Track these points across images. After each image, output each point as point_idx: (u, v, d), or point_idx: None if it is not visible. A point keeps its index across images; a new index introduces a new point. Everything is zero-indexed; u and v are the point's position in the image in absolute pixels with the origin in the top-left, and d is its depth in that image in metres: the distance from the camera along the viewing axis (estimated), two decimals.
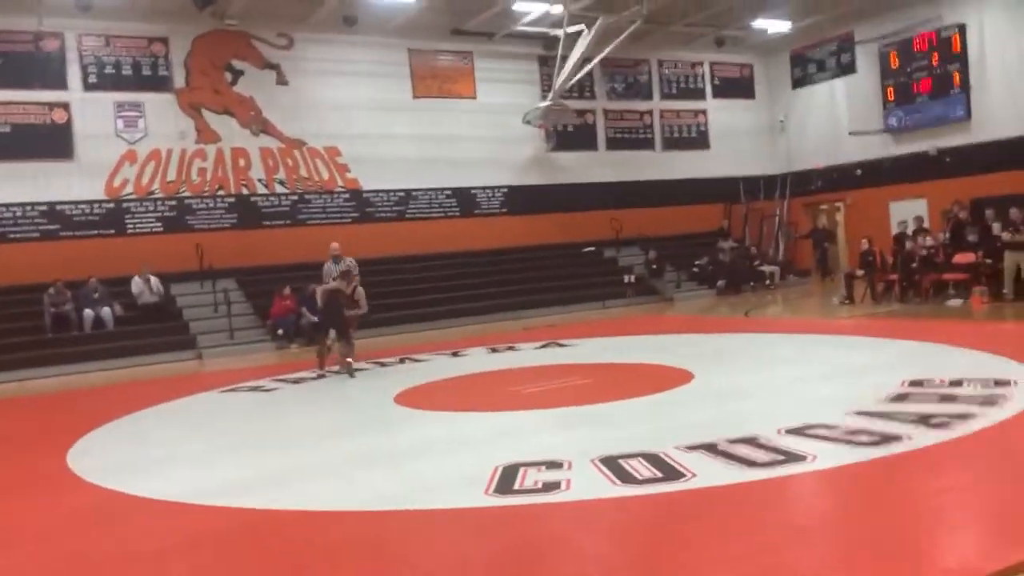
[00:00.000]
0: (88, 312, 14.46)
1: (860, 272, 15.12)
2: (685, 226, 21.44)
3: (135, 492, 5.37)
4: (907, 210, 17.60)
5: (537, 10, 18.05)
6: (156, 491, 5.34)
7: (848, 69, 20.87)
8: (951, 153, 18.47)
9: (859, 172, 20.59)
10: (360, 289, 11.09)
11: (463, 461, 5.59)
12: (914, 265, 14.48)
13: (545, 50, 20.11)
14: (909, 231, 15.39)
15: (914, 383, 6.92)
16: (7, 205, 15.46)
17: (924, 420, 5.66)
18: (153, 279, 15.30)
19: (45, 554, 4.41)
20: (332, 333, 10.75)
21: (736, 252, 20.48)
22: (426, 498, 4.76)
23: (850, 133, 20.40)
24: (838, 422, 5.75)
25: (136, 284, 15.18)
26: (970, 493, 4.38)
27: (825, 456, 4.96)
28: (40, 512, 5.18)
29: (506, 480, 4.95)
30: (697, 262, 20.18)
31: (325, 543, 4.20)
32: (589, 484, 4.75)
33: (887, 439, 5.23)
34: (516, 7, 17.99)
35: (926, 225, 16.24)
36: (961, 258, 14.06)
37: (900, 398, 6.45)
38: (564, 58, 18.80)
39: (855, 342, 10.25)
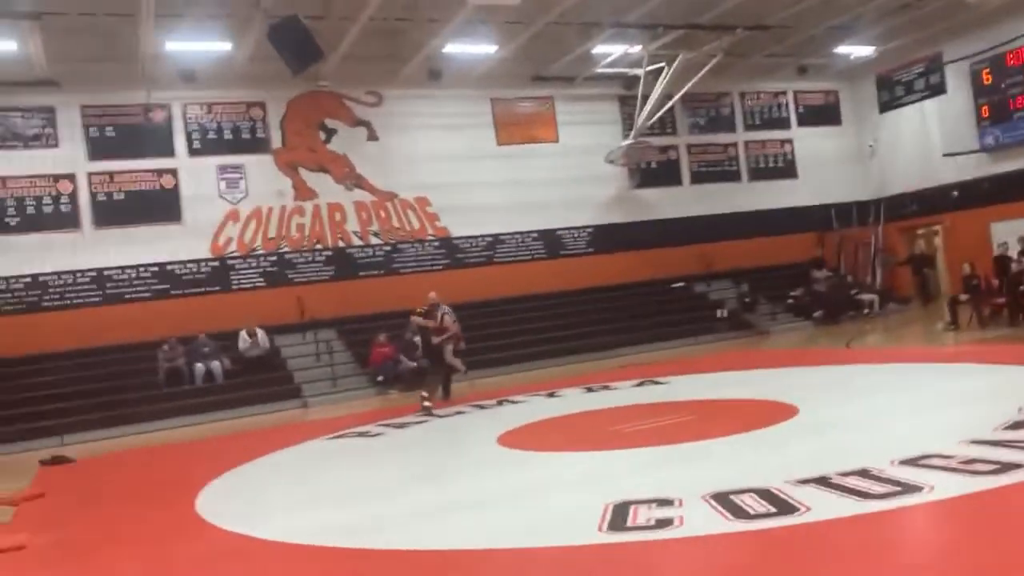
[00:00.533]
0: (199, 366, 15.17)
1: (964, 297, 14.65)
2: (777, 257, 21.11)
3: (257, 535, 5.65)
4: (1009, 231, 16.98)
5: (617, 52, 18.32)
6: (280, 534, 5.60)
7: (938, 90, 20.40)
8: None
9: (956, 194, 19.98)
10: (447, 314, 11.78)
11: (572, 500, 5.70)
12: (1023, 288, 13.95)
13: (625, 89, 20.32)
14: (1013, 252, 14.85)
15: None
16: (122, 268, 16.42)
17: None
18: (260, 332, 15.95)
19: None
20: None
21: (832, 281, 20.06)
22: (541, 537, 4.88)
23: (944, 155, 19.88)
24: (953, 452, 5.63)
25: (243, 338, 15.85)
26: None
27: (943, 486, 4.87)
28: (178, 556, 5.49)
29: (618, 517, 5.02)
30: (792, 293, 19.86)
31: None
32: (702, 520, 4.79)
33: (1007, 467, 5.10)
34: (596, 51, 18.33)
35: None
36: None
37: (1017, 426, 6.25)
38: (645, 97, 18.98)
39: (964, 369, 9.96)
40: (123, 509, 7.32)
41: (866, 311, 19.26)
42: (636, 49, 18.09)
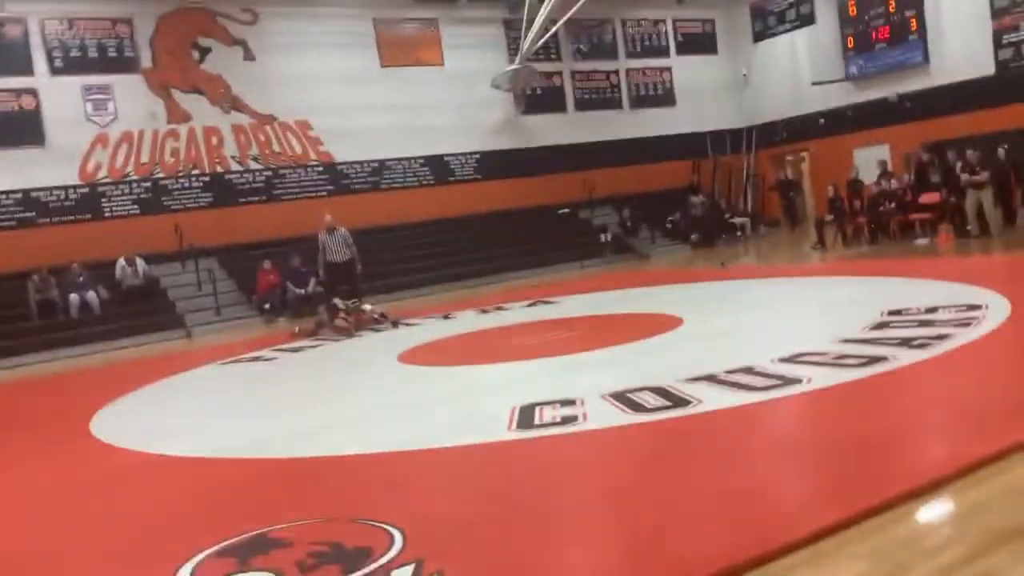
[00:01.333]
0: (74, 297, 14.50)
1: (829, 218, 15.60)
2: (656, 183, 21.74)
3: (165, 452, 5.62)
4: (870, 156, 18.09)
5: None
6: (185, 450, 5.59)
7: (808, 20, 21.22)
8: (911, 98, 18.95)
9: (822, 121, 21.03)
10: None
11: (480, 405, 5.92)
12: (881, 208, 14.98)
13: (510, 13, 20.19)
14: (866, 177, 15.89)
15: (893, 312, 7.35)
16: None
17: (906, 343, 6.07)
18: (139, 261, 15.33)
19: (86, 513, 4.58)
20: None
21: (707, 206, 20.89)
22: (452, 438, 5.07)
23: (812, 83, 20.82)
24: (827, 349, 6.15)
25: (120, 267, 15.22)
26: (950, 401, 4.79)
27: (819, 378, 5.34)
28: (73, 476, 5.41)
29: (525, 417, 5.27)
30: (670, 218, 20.58)
31: (355, 482, 4.50)
32: (605, 416, 5.09)
33: (874, 360, 5.62)
34: None
35: (890, 169, 16.73)
36: (926, 199, 14.57)
37: (881, 326, 6.86)
38: (530, 21, 18.93)
39: (832, 282, 10.71)
40: (9, 436, 7.06)
41: (739, 233, 20.23)
42: None
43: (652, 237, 20.13)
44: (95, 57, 16.39)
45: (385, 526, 3.54)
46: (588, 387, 5.84)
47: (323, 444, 5.35)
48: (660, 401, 5.26)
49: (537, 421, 5.18)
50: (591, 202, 20.83)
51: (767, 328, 7.76)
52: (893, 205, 14.89)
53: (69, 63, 16.14)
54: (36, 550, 4.03)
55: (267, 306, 15.20)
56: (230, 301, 15.78)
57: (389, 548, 3.31)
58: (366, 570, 3.14)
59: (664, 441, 4.60)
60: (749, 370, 5.79)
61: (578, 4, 18.86)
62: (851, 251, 14.32)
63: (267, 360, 9.93)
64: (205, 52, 17.48)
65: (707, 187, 22.46)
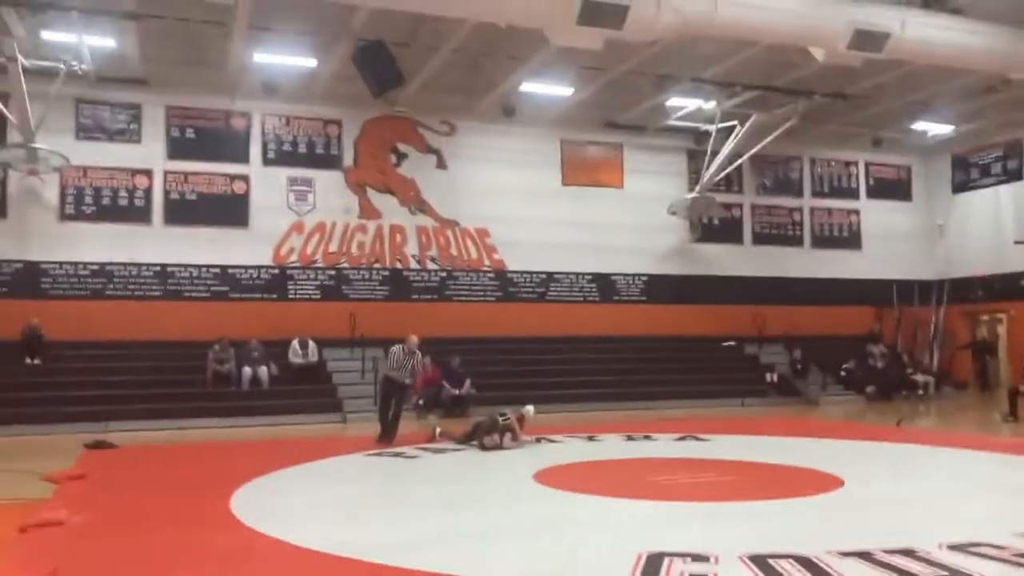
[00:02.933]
0: (247, 370, 15.40)
1: None
2: (833, 328, 20.77)
3: (284, 538, 5.70)
4: None
5: (691, 106, 18.38)
6: (302, 540, 5.65)
7: (1015, 176, 20.03)
8: None
9: None
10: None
11: (605, 543, 5.63)
12: None
13: (695, 144, 20.32)
14: None
15: None
16: (185, 265, 16.83)
17: None
18: (311, 344, 16.14)
19: None
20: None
21: (887, 358, 19.62)
22: None
23: (1015, 242, 19.43)
24: (1006, 543, 5.43)
25: (294, 349, 16.08)
26: None
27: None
28: (206, 548, 5.58)
29: (651, 568, 4.93)
30: (845, 365, 19.47)
31: None
32: None
33: None
34: (670, 103, 18.41)
35: None
36: None
37: None
38: (714, 152, 18.97)
39: (1021, 461, 9.62)
40: (159, 497, 7.42)
41: (920, 392, 18.79)
42: (710, 105, 18.11)
43: (823, 383, 19.07)
44: (304, 152, 17.86)
45: None
46: (726, 543, 5.44)
47: (432, 559, 5.17)
48: (803, 574, 4.79)
49: (663, 575, 4.82)
50: (760, 339, 20.10)
51: (938, 506, 6.99)
52: None
53: (280, 155, 17.69)
54: None
55: (420, 401, 15.47)
56: None
57: None
58: None
59: None
60: (911, 553, 5.19)
61: (765, 141, 18.73)
62: None
63: (409, 458, 10.01)
64: (402, 157, 18.67)
65: (890, 338, 21.18)
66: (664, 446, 10.88)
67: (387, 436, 11.23)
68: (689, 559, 5.12)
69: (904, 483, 8.07)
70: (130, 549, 5.60)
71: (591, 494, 7.71)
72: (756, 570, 4.88)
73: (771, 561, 5.03)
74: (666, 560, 5.09)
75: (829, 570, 4.86)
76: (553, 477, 8.43)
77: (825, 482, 7.85)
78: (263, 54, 15.61)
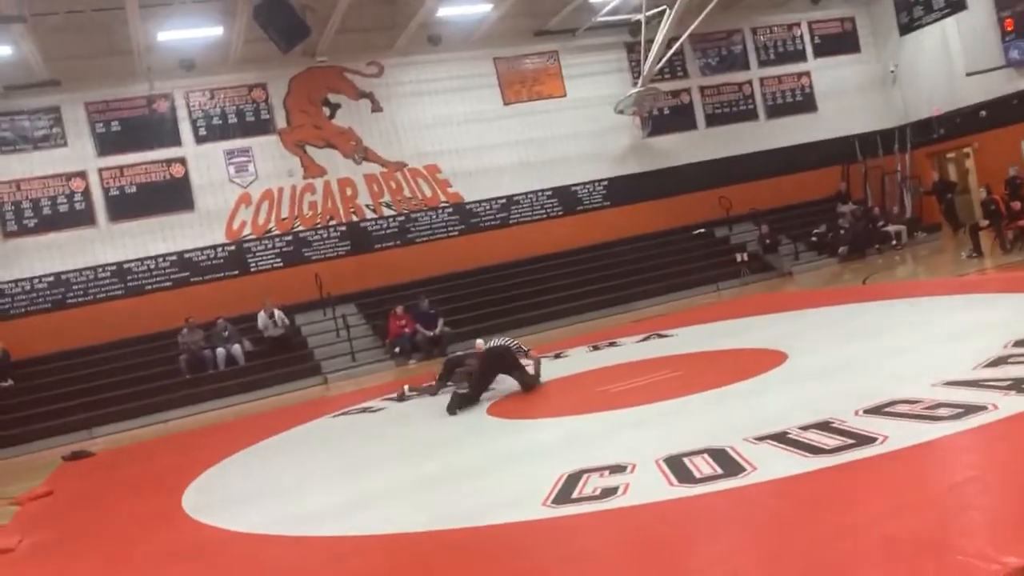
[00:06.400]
0: (220, 351, 15.40)
1: (985, 222, 14.11)
2: (802, 195, 20.67)
3: (228, 527, 5.72)
4: None
5: None
6: (247, 524, 5.67)
7: (959, 6, 19.49)
8: None
9: (984, 114, 19.18)
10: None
11: (531, 472, 5.65)
12: None
13: (631, 36, 19.80)
14: None
15: (1019, 343, 6.42)
16: (141, 259, 16.68)
17: (1017, 385, 5.24)
18: (277, 312, 16.10)
19: None
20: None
21: (858, 215, 19.49)
22: (484, 515, 4.83)
23: (968, 74, 19.06)
24: (921, 395, 5.42)
25: (261, 319, 16.04)
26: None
27: (897, 436, 4.69)
28: (141, 554, 5.58)
29: (567, 489, 4.94)
30: (815, 231, 19.38)
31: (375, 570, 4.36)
32: (647, 487, 4.70)
33: (969, 410, 4.88)
34: None
35: None
36: None
37: (998, 362, 5.99)
38: (649, 41, 18.49)
39: (974, 301, 9.60)
40: (117, 505, 7.47)
41: (894, 243, 18.71)
42: None
43: (795, 253, 19.00)
44: (235, 123, 17.48)
45: None
46: (648, 448, 5.46)
47: (375, 520, 5.18)
48: (712, 469, 4.80)
49: (576, 494, 4.83)
50: (729, 220, 19.98)
51: (873, 365, 6.98)
52: None
53: (212, 130, 17.31)
54: None
55: (397, 349, 15.52)
56: (365, 346, 16.24)
57: None
58: None
59: (684, 525, 4.18)
60: (826, 425, 5.20)
61: (699, 18, 18.22)
62: (1011, 258, 12.86)
63: (373, 412, 10.06)
64: (335, 108, 18.27)
65: (859, 194, 21.02)
66: (626, 350, 10.87)
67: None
68: (607, 472, 5.15)
69: (847, 347, 8.01)
70: (75, 571, 5.60)
71: (538, 418, 7.76)
72: (667, 471, 4.91)
73: (685, 460, 5.05)
74: (584, 476, 5.12)
75: (738, 458, 4.88)
76: (505, 407, 8.47)
77: (769, 360, 7.84)
78: (167, 32, 15.20)
